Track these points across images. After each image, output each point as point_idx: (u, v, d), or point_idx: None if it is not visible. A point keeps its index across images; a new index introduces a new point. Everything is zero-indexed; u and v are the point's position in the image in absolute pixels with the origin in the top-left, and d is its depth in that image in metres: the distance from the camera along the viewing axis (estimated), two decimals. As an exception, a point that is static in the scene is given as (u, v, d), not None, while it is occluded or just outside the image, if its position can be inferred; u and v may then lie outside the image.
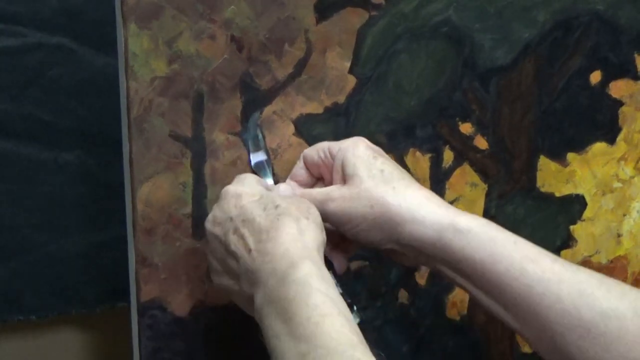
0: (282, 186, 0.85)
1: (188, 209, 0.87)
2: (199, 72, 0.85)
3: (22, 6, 0.97)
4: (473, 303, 0.97)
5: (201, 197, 0.87)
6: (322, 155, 0.84)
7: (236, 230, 0.77)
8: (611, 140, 0.98)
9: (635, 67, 0.97)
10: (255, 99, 0.87)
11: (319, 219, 0.78)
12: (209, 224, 0.80)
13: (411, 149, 0.92)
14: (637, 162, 0.99)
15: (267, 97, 0.87)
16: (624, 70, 0.97)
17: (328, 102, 0.89)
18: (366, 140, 0.83)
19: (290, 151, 0.88)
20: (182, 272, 0.87)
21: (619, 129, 0.99)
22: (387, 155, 0.84)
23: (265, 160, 0.88)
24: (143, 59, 0.83)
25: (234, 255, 0.76)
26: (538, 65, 0.94)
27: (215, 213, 0.80)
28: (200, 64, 0.84)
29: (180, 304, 0.88)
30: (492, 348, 0.99)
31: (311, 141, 0.88)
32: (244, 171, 0.87)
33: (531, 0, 0.93)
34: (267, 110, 0.87)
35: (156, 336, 0.88)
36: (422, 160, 0.93)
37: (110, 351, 1.11)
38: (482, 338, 0.98)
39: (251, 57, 0.86)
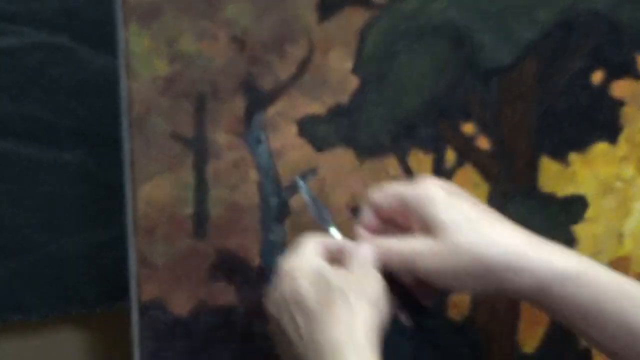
0: (363, 247, 0.79)
1: (189, 210, 0.87)
2: (201, 72, 0.84)
3: (22, 6, 0.96)
4: (474, 303, 0.97)
5: (202, 198, 0.87)
6: (394, 203, 0.79)
7: (289, 314, 0.75)
8: (613, 140, 0.98)
9: (636, 66, 0.97)
10: (257, 100, 0.87)
11: (378, 294, 0.75)
12: (269, 305, 0.78)
13: (413, 149, 0.92)
14: (639, 162, 0.99)
15: (270, 97, 0.87)
16: (626, 70, 0.97)
17: (331, 103, 0.89)
18: (437, 181, 0.79)
19: (293, 152, 0.88)
20: (183, 272, 0.87)
21: (621, 129, 0.98)
22: (464, 193, 0.79)
23: (326, 214, 0.85)
24: (144, 58, 0.83)
25: (288, 337, 0.75)
26: (539, 65, 0.94)
27: (275, 286, 0.77)
28: (201, 64, 0.84)
29: (180, 304, 0.88)
30: (493, 348, 0.99)
31: (315, 142, 0.89)
32: (246, 172, 0.87)
33: (532, 0, 0.93)
34: (270, 111, 0.87)
35: (156, 336, 0.88)
36: (424, 161, 0.93)
37: (110, 351, 1.10)
38: (483, 338, 0.98)
39: (253, 57, 0.86)
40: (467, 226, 0.75)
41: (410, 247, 0.77)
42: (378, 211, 0.81)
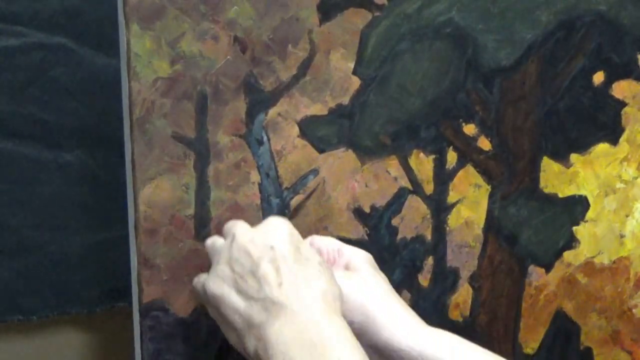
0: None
1: (191, 211, 0.86)
2: (202, 73, 0.84)
3: (22, 6, 0.96)
4: (475, 304, 0.97)
5: (204, 199, 0.86)
6: (330, 250, 0.85)
7: (273, 261, 0.76)
8: (614, 141, 0.98)
9: (638, 67, 0.97)
10: (259, 101, 0.86)
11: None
12: (244, 238, 0.79)
13: (415, 150, 0.92)
14: (640, 162, 1.00)
15: (271, 98, 0.87)
16: (627, 71, 0.97)
17: (332, 104, 0.89)
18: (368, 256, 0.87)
19: (294, 153, 0.88)
20: (184, 274, 0.87)
21: (622, 130, 0.98)
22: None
23: None
24: (145, 59, 0.83)
25: (260, 279, 0.76)
26: (541, 66, 0.94)
27: (256, 234, 0.79)
28: (203, 64, 0.84)
29: (182, 305, 0.88)
30: (494, 349, 0.98)
31: (316, 142, 0.89)
32: (247, 173, 0.87)
33: (534, 0, 0.93)
34: (272, 111, 0.87)
35: (158, 337, 0.88)
36: (425, 162, 0.93)
37: (110, 351, 1.10)
38: (484, 339, 0.98)
39: (255, 58, 0.85)
40: (383, 285, 0.84)
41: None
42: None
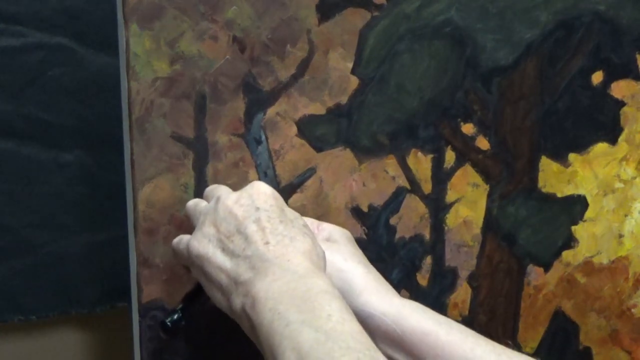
0: None
1: (190, 210, 0.87)
2: (201, 73, 0.85)
3: (22, 6, 0.97)
4: (474, 304, 0.97)
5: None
6: (309, 224, 0.84)
7: (259, 221, 0.77)
8: (613, 141, 0.98)
9: (637, 67, 0.97)
10: (258, 100, 0.87)
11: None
12: (229, 200, 0.79)
13: (413, 150, 0.92)
14: (639, 162, 0.99)
15: (270, 98, 0.87)
16: (626, 71, 0.97)
17: (331, 103, 0.89)
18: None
19: (293, 152, 0.88)
20: (184, 273, 0.87)
21: (621, 130, 0.98)
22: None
23: None
24: (145, 59, 0.83)
25: (246, 237, 0.76)
26: (540, 65, 0.94)
27: (241, 195, 0.79)
28: (202, 64, 0.84)
29: (181, 305, 0.88)
30: (493, 348, 0.99)
31: (314, 142, 0.89)
32: (246, 173, 0.87)
33: (533, 0, 0.93)
34: (270, 111, 0.87)
35: (157, 337, 0.88)
36: (424, 161, 0.93)
37: (110, 351, 1.11)
38: (484, 338, 0.99)
39: (253, 58, 0.86)
40: (361, 257, 0.85)
41: None
42: None
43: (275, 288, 0.72)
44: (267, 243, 0.75)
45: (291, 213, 0.79)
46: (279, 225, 0.77)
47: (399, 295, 0.83)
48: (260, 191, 0.80)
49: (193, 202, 0.84)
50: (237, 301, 0.74)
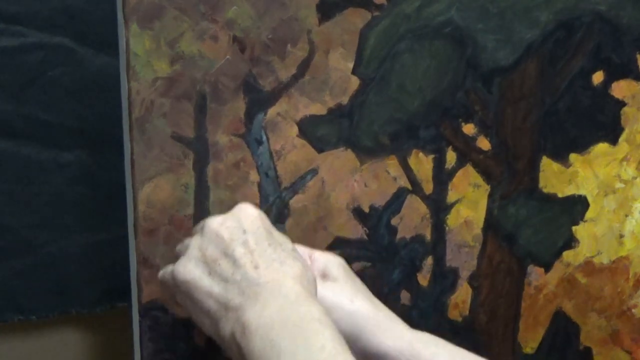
0: None
1: (190, 210, 0.87)
2: (202, 73, 0.84)
3: (22, 6, 0.97)
4: (475, 304, 0.97)
5: (203, 199, 0.86)
6: (302, 254, 0.83)
7: (246, 244, 0.75)
8: (613, 141, 0.98)
9: (637, 67, 0.97)
10: (258, 100, 0.87)
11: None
12: (215, 223, 0.77)
13: (414, 150, 0.92)
14: (639, 162, 0.99)
15: (271, 98, 0.87)
16: (627, 71, 0.97)
17: (331, 103, 0.89)
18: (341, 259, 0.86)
19: (294, 153, 0.88)
20: (184, 273, 0.87)
21: (621, 130, 0.98)
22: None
23: None
24: (145, 59, 0.83)
25: (234, 261, 0.75)
26: (540, 65, 0.94)
27: (227, 217, 0.78)
28: (202, 64, 0.84)
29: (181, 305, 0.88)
30: (493, 349, 0.99)
31: (315, 142, 0.89)
32: (246, 173, 0.87)
33: (533, 0, 0.93)
34: (271, 111, 0.87)
35: (157, 337, 0.88)
36: (424, 161, 0.93)
37: (110, 351, 1.10)
38: (484, 339, 0.99)
39: (254, 58, 0.86)
40: (362, 290, 0.84)
41: None
42: None
43: (267, 315, 0.70)
44: (256, 267, 0.74)
45: (279, 236, 0.78)
46: (267, 248, 0.76)
47: (407, 326, 0.83)
48: (248, 213, 0.78)
49: (181, 243, 0.83)
50: (227, 327, 0.72)
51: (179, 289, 0.77)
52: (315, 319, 0.70)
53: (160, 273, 0.82)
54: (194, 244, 0.77)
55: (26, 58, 0.98)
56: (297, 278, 0.74)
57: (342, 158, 0.90)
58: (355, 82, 0.89)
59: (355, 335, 0.80)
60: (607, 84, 0.97)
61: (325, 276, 0.83)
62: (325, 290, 0.81)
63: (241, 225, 0.77)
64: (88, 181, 1.03)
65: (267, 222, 0.79)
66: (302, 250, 0.84)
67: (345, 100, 0.89)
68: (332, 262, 0.84)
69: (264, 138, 0.87)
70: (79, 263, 1.04)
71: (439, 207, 0.94)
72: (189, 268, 0.76)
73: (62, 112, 1.00)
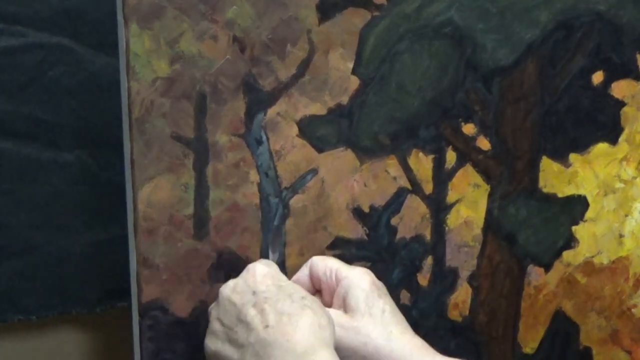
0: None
1: (190, 210, 0.87)
2: (201, 73, 0.84)
3: (22, 6, 0.97)
4: (475, 304, 0.97)
5: (203, 199, 0.87)
6: (328, 275, 0.86)
7: (257, 305, 0.79)
8: (613, 141, 0.98)
9: (637, 67, 0.97)
10: (258, 100, 0.87)
11: (334, 322, 0.81)
12: (227, 290, 0.82)
13: (414, 150, 0.92)
14: (639, 162, 0.99)
15: (271, 98, 0.87)
16: (626, 71, 0.97)
17: (331, 103, 0.89)
18: (372, 275, 0.86)
19: (293, 152, 0.88)
20: (184, 273, 0.87)
21: (621, 130, 0.98)
22: (389, 295, 0.86)
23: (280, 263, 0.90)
24: (144, 59, 0.83)
25: (247, 325, 0.78)
26: (540, 65, 0.94)
27: (237, 282, 0.82)
28: (202, 64, 0.84)
29: (181, 305, 0.88)
30: (493, 349, 0.99)
31: (315, 142, 0.89)
32: (246, 173, 0.87)
33: (533, 0, 0.93)
34: (271, 111, 0.87)
35: (157, 337, 0.88)
36: (424, 161, 0.93)
37: (110, 351, 1.11)
38: (484, 339, 0.99)
39: (254, 57, 0.86)
40: (380, 318, 0.84)
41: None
42: (313, 278, 0.88)
43: None
44: (266, 326, 0.77)
45: (290, 287, 0.81)
46: (276, 304, 0.78)
47: (432, 353, 0.84)
48: (256, 274, 0.82)
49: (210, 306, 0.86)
50: None
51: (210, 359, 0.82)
52: None
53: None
54: (213, 315, 0.82)
55: (26, 58, 0.98)
56: (307, 328, 0.77)
57: (342, 158, 0.90)
58: (355, 82, 0.89)
59: None
60: (607, 83, 0.97)
61: (346, 304, 0.85)
62: (343, 328, 0.83)
63: (250, 287, 0.81)
64: (88, 181, 1.03)
65: (277, 276, 0.83)
66: (330, 267, 0.87)
67: (345, 100, 0.89)
68: (353, 287, 0.85)
69: (264, 138, 0.87)
70: (79, 263, 1.04)
71: (438, 207, 0.94)
72: (213, 340, 0.81)
73: (62, 112, 1.00)
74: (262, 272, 0.82)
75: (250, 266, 0.83)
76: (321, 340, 0.76)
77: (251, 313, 0.78)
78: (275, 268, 0.85)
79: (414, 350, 0.83)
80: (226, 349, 0.79)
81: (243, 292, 0.81)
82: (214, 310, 0.83)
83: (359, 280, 0.85)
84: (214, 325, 0.81)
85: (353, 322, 0.83)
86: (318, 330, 0.77)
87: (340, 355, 0.80)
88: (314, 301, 0.81)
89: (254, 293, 0.80)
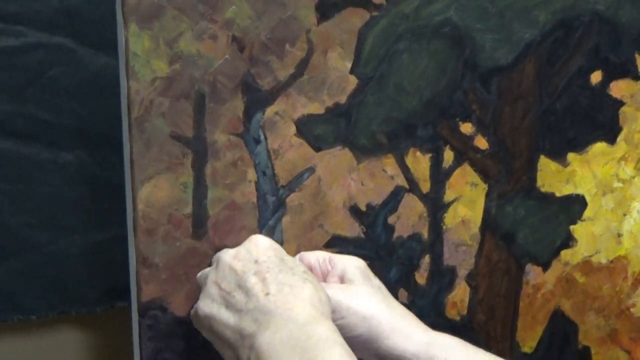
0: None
1: (189, 209, 0.87)
2: (200, 73, 0.85)
3: (22, 6, 0.97)
4: (473, 303, 0.97)
5: (202, 198, 0.87)
6: (321, 261, 0.87)
7: (258, 273, 0.78)
8: (611, 140, 0.99)
9: (635, 67, 0.98)
10: (257, 100, 0.87)
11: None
12: (227, 256, 0.81)
13: (412, 149, 0.92)
14: (638, 162, 0.99)
15: (269, 97, 0.87)
16: (625, 70, 0.97)
17: (329, 103, 0.89)
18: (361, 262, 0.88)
19: (291, 152, 0.88)
20: (183, 273, 0.87)
21: (620, 129, 0.99)
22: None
23: None
24: (144, 59, 0.83)
25: (247, 291, 0.78)
26: (539, 65, 0.94)
27: (239, 250, 0.82)
28: (201, 64, 0.84)
29: (180, 304, 0.88)
30: (491, 348, 0.99)
31: (313, 141, 0.89)
32: (245, 172, 0.87)
33: (532, 0, 0.93)
34: (269, 111, 0.87)
35: (157, 336, 0.88)
36: (422, 160, 0.93)
37: (110, 351, 1.10)
38: (482, 338, 0.99)
39: (252, 57, 0.86)
40: (378, 292, 0.85)
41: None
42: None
43: (277, 340, 0.73)
44: (267, 294, 0.76)
45: (291, 261, 0.81)
46: (278, 274, 0.78)
47: (424, 326, 0.84)
48: (259, 244, 0.82)
49: (200, 272, 0.86)
50: (244, 355, 0.75)
51: (202, 324, 0.81)
52: (322, 338, 0.72)
53: (191, 312, 0.85)
54: (210, 278, 0.81)
55: (26, 58, 0.98)
56: (308, 299, 0.76)
57: (339, 157, 0.90)
58: (353, 81, 0.89)
59: (371, 339, 0.83)
60: (605, 83, 0.97)
61: (343, 280, 0.86)
62: (341, 295, 0.83)
63: (252, 256, 0.81)
64: (88, 181, 1.03)
65: (279, 250, 0.82)
66: (323, 256, 0.88)
67: (343, 99, 0.89)
68: (349, 265, 0.87)
69: (262, 137, 0.88)
70: (79, 263, 1.04)
71: (436, 205, 0.94)
72: (208, 303, 0.80)
73: (61, 112, 1.00)
74: (264, 244, 0.82)
75: (253, 237, 0.83)
76: (321, 313, 0.76)
77: (252, 280, 0.78)
78: (277, 244, 0.84)
79: (411, 321, 0.84)
80: (222, 312, 0.79)
81: (245, 259, 0.80)
82: (211, 274, 0.81)
83: (355, 261, 0.87)
84: (211, 289, 0.80)
85: (352, 287, 0.84)
86: (318, 304, 0.77)
87: (337, 315, 0.81)
88: (314, 277, 0.81)
89: (255, 262, 0.80)
